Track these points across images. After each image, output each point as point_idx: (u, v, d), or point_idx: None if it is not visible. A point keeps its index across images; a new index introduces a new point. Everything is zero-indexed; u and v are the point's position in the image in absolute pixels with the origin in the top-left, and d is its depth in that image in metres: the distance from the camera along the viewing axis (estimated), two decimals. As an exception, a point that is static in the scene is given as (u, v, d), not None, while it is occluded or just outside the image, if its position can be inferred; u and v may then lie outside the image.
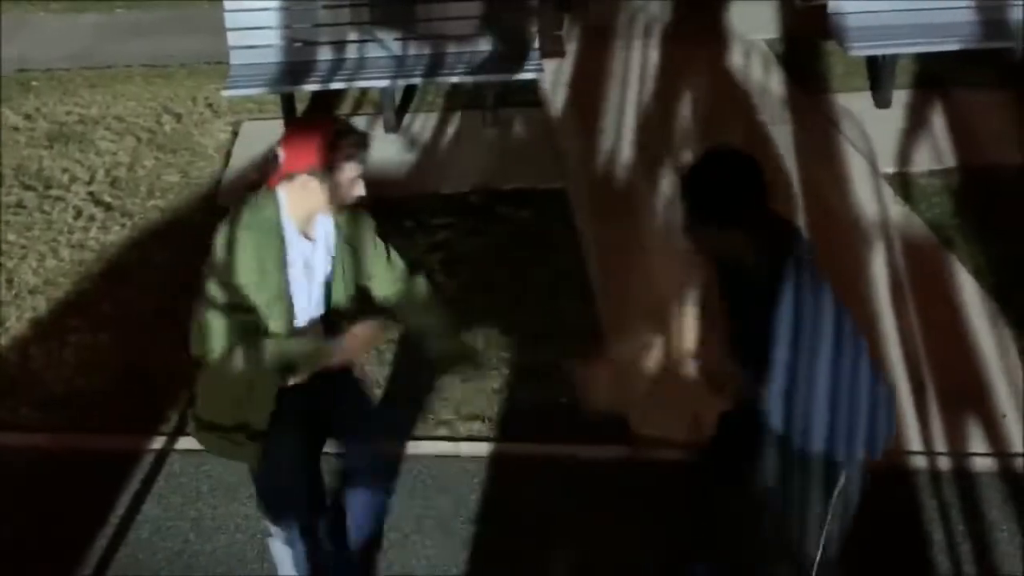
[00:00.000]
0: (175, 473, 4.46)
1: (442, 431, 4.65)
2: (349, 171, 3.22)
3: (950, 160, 6.19)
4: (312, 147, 3.15)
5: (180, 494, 4.36)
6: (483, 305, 5.28)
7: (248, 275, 3.19)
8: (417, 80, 6.83)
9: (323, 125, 3.32)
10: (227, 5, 6.69)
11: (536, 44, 6.82)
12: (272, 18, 6.68)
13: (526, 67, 6.69)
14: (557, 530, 4.06)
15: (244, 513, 4.23)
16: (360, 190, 3.25)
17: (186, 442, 4.61)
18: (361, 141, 3.24)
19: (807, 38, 7.46)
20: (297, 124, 3.35)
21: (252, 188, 3.36)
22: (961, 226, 5.64)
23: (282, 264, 3.24)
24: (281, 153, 3.20)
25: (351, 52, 6.72)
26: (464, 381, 4.84)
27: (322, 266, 3.37)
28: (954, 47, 6.74)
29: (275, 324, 3.25)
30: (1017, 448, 4.38)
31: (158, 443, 4.62)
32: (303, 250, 3.29)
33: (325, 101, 7.04)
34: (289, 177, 3.19)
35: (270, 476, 3.45)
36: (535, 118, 6.90)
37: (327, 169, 3.16)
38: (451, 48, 6.83)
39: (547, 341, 5.01)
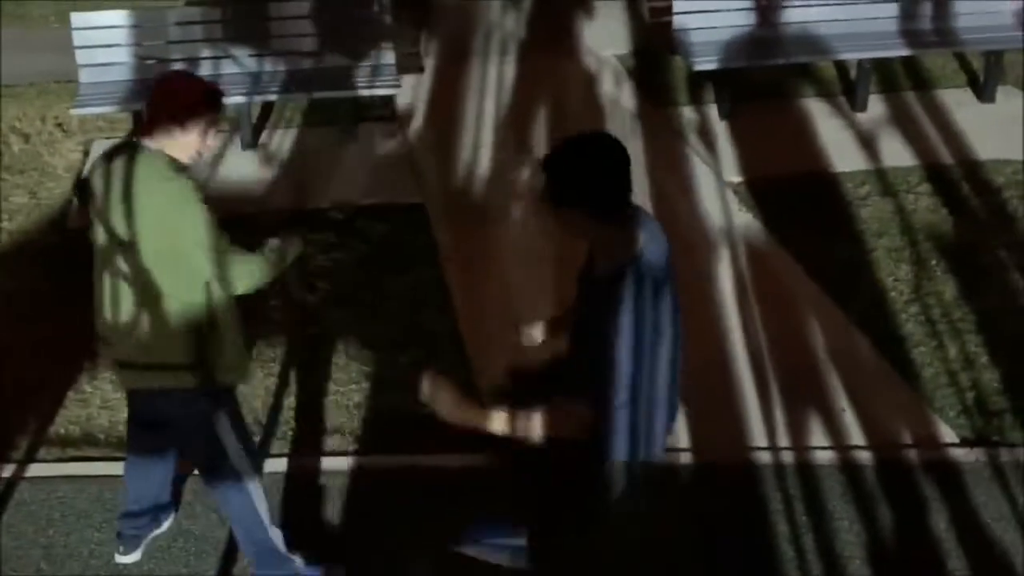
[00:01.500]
0: (24, 501, 4.31)
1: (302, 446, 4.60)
2: None
3: (788, 168, 6.42)
4: None
5: (30, 522, 4.21)
6: (342, 318, 5.25)
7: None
8: (273, 96, 6.76)
9: None
10: (75, 23, 6.53)
11: (392, 60, 6.83)
12: (122, 35, 6.55)
13: (383, 82, 6.69)
14: (422, 539, 4.06)
15: (97, 539, 4.11)
16: None
17: (36, 469, 4.47)
18: None
19: (656, 53, 7.64)
20: None
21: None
22: (798, 230, 5.85)
23: None
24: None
25: (205, 69, 6.60)
26: (324, 396, 4.81)
27: None
28: (791, 61, 7.00)
29: None
30: (855, 440, 4.56)
31: (6, 471, 4.45)
32: None
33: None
34: None
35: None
36: (393, 133, 6.90)
37: None
38: (307, 64, 6.79)
39: (406, 351, 5.02)
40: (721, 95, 7.04)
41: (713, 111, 7.01)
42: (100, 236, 3.44)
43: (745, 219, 5.99)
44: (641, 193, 6.16)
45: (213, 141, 3.51)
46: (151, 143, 3.38)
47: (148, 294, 3.37)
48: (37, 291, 5.49)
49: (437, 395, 3.05)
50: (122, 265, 3.38)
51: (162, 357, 3.42)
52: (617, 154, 2.91)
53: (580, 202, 2.88)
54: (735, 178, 6.34)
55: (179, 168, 3.38)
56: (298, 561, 3.80)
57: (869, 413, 4.69)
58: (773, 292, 5.42)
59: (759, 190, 6.22)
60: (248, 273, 3.49)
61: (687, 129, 6.86)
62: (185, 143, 3.39)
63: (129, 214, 3.31)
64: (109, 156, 3.43)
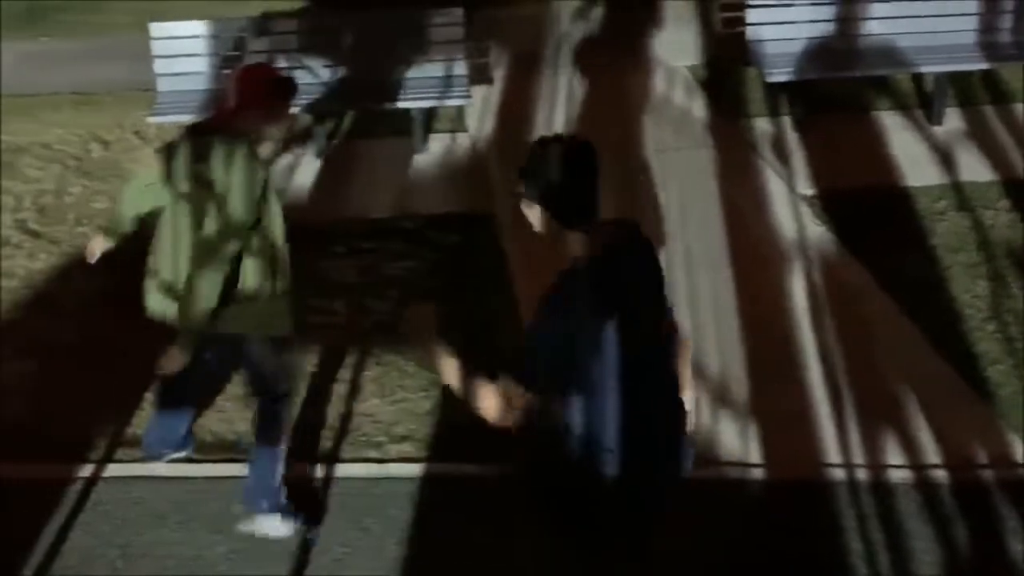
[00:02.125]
0: (102, 501, 4.40)
1: (372, 453, 4.65)
2: None
3: (862, 181, 6.35)
4: None
5: (107, 522, 4.30)
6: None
7: None
8: (346, 106, 6.84)
9: None
10: (154, 32, 6.67)
11: (464, 71, 6.88)
12: (199, 45, 6.67)
13: (453, 94, 6.74)
14: (489, 550, 4.07)
15: (172, 539, 4.19)
16: None
17: (113, 469, 4.56)
18: None
19: (728, 64, 7.61)
20: None
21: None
22: (873, 244, 5.78)
23: None
24: None
25: (280, 79, 6.71)
26: (393, 404, 4.86)
27: None
28: (867, 73, 6.93)
29: None
30: (930, 459, 4.49)
31: (85, 471, 4.55)
32: None
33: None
34: None
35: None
36: (462, 144, 6.95)
37: None
38: (380, 75, 6.86)
39: (475, 361, 5.02)
40: (795, 106, 6.99)
41: (787, 123, 6.96)
42: (175, 206, 3.81)
43: (819, 232, 5.94)
44: (712, 204, 6.16)
45: (284, 128, 3.70)
46: (229, 127, 3.71)
47: (204, 253, 3.72)
48: (117, 294, 5.59)
49: (418, 330, 3.05)
50: (186, 229, 3.76)
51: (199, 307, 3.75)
52: (582, 160, 2.94)
53: (540, 201, 2.95)
54: (809, 190, 6.29)
55: (251, 152, 3.70)
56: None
57: (945, 431, 4.62)
58: (847, 307, 5.37)
59: (833, 203, 6.16)
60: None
61: (760, 141, 6.82)
62: (257, 127, 3.76)
63: (206, 190, 3.67)
64: (190, 135, 3.78)
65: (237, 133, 3.72)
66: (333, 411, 4.87)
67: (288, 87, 3.94)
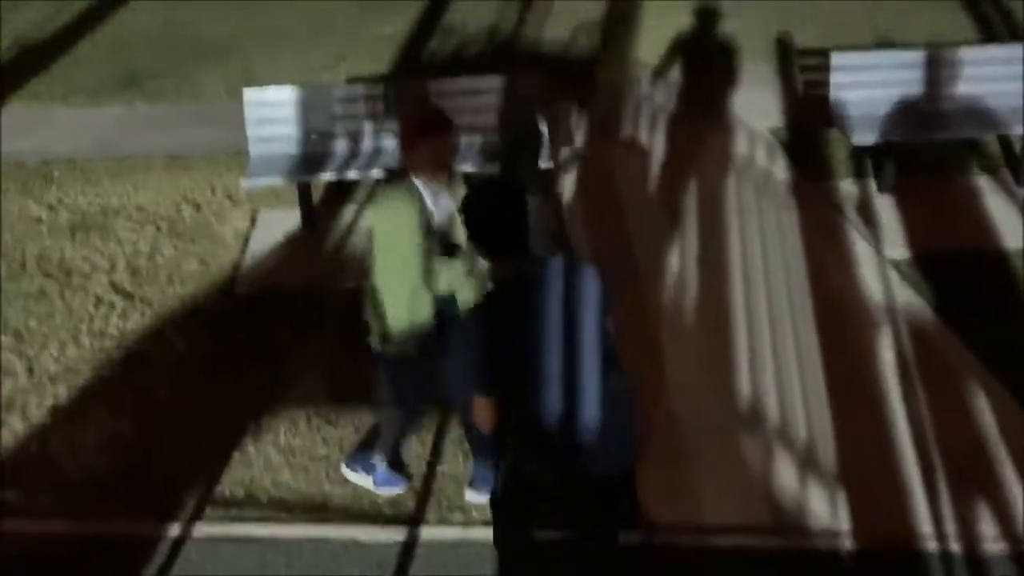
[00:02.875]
0: (191, 560, 4.47)
1: (457, 515, 4.66)
2: None
3: (951, 244, 6.26)
4: None
5: (196, 581, 4.37)
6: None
7: None
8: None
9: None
10: (247, 99, 6.86)
11: (544, 133, 6.95)
12: (289, 112, 6.85)
13: (535, 157, 6.80)
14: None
15: (261, 600, 4.23)
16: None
17: (201, 529, 4.64)
18: None
19: (810, 126, 7.59)
20: None
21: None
22: (964, 309, 5.69)
23: None
24: None
25: (366, 143, 6.87)
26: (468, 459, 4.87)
27: None
28: (954, 136, 6.86)
29: None
30: (1027, 531, 4.38)
31: (175, 530, 4.64)
32: None
33: (341, 190, 7.17)
34: None
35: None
36: (544, 209, 7.00)
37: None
38: (463, 138, 6.96)
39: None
40: (881, 169, 6.93)
41: (872, 185, 6.90)
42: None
43: (907, 297, 5.86)
44: (797, 266, 6.12)
45: (449, 165, 4.08)
46: (403, 171, 4.14)
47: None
48: (205, 354, 5.76)
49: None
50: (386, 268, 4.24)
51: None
52: (502, 201, 3.46)
53: (469, 236, 3.54)
54: (896, 254, 6.22)
55: (409, 190, 4.08)
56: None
57: (1043, 503, 4.49)
58: (938, 373, 5.28)
59: (922, 267, 6.08)
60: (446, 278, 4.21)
61: (845, 203, 6.77)
62: (416, 166, 4.06)
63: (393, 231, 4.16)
64: (387, 180, 4.29)
65: (404, 176, 4.11)
66: (415, 471, 4.90)
67: (432, 123, 4.04)
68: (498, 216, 3.45)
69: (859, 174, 7.05)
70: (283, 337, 5.84)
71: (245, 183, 6.69)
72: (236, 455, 5.05)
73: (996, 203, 6.67)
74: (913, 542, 4.38)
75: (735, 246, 6.39)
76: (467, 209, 3.48)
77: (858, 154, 7.09)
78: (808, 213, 6.69)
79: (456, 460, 4.94)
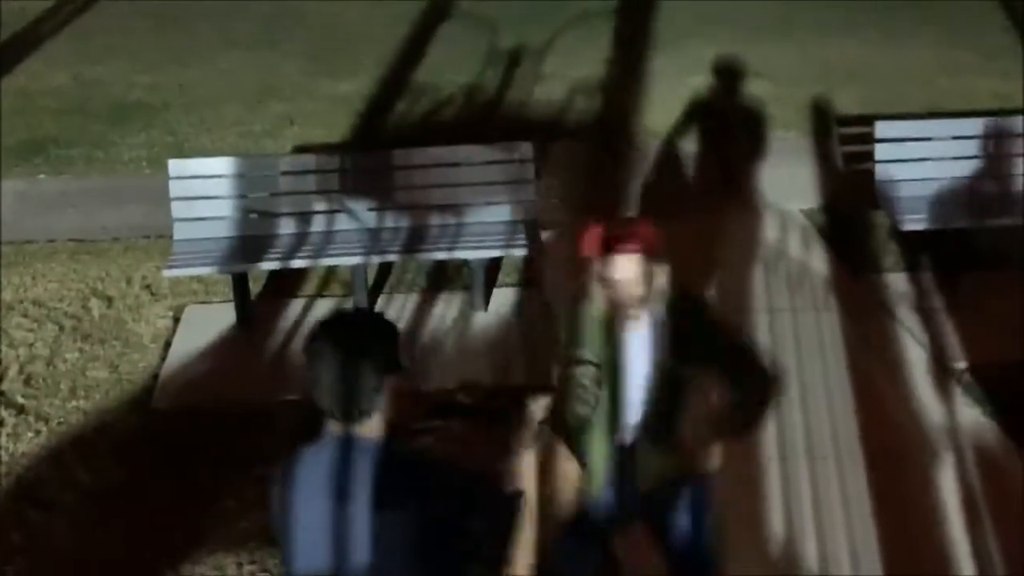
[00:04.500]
0: None
1: None
2: None
3: (1021, 351, 6.29)
4: None
5: None
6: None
7: None
8: (394, 257, 6.97)
9: None
10: (172, 171, 6.89)
11: (533, 215, 7.00)
12: (223, 186, 6.88)
13: (521, 242, 6.84)
14: None
15: None
16: None
17: None
18: None
19: (853, 208, 7.67)
20: None
21: None
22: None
23: None
24: None
25: (316, 225, 6.90)
26: None
27: None
28: (1019, 221, 6.92)
29: None
30: None
31: None
32: None
33: (285, 282, 7.18)
34: None
35: None
36: (533, 300, 7.02)
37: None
38: (434, 220, 7.00)
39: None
40: (937, 260, 6.99)
41: (928, 280, 6.96)
42: None
43: (973, 415, 5.86)
44: (839, 379, 6.12)
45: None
46: None
47: None
48: (114, 485, 5.68)
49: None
50: None
51: None
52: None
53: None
54: (959, 364, 6.24)
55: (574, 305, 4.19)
56: None
57: None
58: (1010, 505, 5.26)
59: (989, 379, 6.10)
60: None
61: (896, 302, 6.81)
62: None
63: None
64: None
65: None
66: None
67: (601, 240, 4.05)
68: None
69: (912, 266, 7.11)
70: (211, 464, 5.77)
71: (168, 273, 6.69)
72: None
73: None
74: None
75: (763, 355, 6.39)
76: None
77: (909, 242, 7.15)
78: (851, 314, 6.72)
79: None
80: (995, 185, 7.01)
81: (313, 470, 3.21)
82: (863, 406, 5.96)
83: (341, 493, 3.15)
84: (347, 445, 3.19)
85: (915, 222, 6.80)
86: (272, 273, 7.15)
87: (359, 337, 3.14)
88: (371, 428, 3.12)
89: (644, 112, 9.20)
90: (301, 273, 7.21)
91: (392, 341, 3.16)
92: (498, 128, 8.73)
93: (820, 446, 5.71)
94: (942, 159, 7.03)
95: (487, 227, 6.96)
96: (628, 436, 4.18)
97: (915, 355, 6.35)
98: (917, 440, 5.74)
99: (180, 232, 6.85)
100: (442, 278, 7.25)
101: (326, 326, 3.16)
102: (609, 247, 3.98)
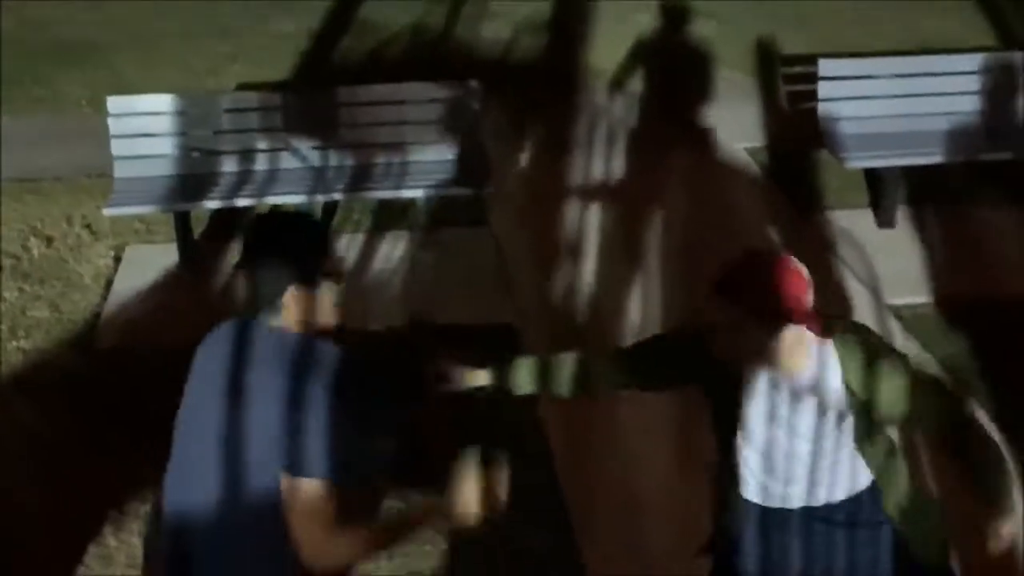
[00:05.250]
0: None
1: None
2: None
3: (966, 288, 6.36)
4: None
5: None
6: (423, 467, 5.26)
7: None
8: (339, 195, 6.92)
9: None
10: (111, 108, 6.79)
11: (482, 153, 6.96)
12: (165, 124, 6.79)
13: (469, 180, 6.81)
14: None
15: None
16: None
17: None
18: None
19: (797, 147, 7.69)
20: None
21: None
22: (979, 365, 5.75)
23: None
24: None
25: (260, 163, 6.84)
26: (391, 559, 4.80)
27: None
28: (967, 157, 6.97)
29: None
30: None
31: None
32: None
33: (228, 221, 7.10)
34: None
35: None
36: (480, 241, 6.99)
37: None
38: (381, 158, 6.95)
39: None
40: (881, 198, 7.03)
41: (869, 217, 6.99)
42: None
43: (913, 352, 5.91)
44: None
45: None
46: None
47: None
48: (56, 425, 5.61)
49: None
50: None
51: None
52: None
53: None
54: (900, 300, 6.29)
55: None
56: None
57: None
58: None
59: (931, 316, 6.16)
60: None
61: (839, 239, 6.85)
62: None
63: None
64: None
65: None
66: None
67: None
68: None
69: (855, 204, 7.14)
70: (154, 403, 5.70)
71: (108, 211, 6.61)
72: (92, 550, 4.92)
73: (1018, 238, 6.78)
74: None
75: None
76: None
77: (854, 180, 7.19)
78: (796, 251, 6.71)
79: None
80: (937, 122, 7.04)
81: (208, 357, 3.12)
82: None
83: (234, 377, 2.99)
84: (247, 326, 3.04)
85: (858, 160, 6.83)
86: (215, 213, 7.07)
87: (278, 227, 3.10)
88: (286, 321, 2.99)
89: (590, 50, 9.15)
90: (245, 212, 7.13)
91: (312, 241, 3.08)
92: (444, 66, 8.67)
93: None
94: (885, 97, 7.05)
95: (433, 165, 6.92)
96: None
97: (857, 291, 6.39)
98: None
99: (121, 170, 6.76)
100: (389, 217, 7.20)
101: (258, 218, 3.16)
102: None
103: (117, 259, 6.88)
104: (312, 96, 7.26)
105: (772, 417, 3.40)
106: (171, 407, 5.26)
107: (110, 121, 6.77)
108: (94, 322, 6.36)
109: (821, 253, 6.75)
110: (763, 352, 3.29)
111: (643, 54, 8.97)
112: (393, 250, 6.94)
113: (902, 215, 6.96)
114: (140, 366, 5.98)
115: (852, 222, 7.00)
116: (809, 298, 3.29)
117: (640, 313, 6.23)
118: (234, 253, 6.75)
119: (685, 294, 6.33)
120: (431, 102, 7.00)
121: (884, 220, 6.94)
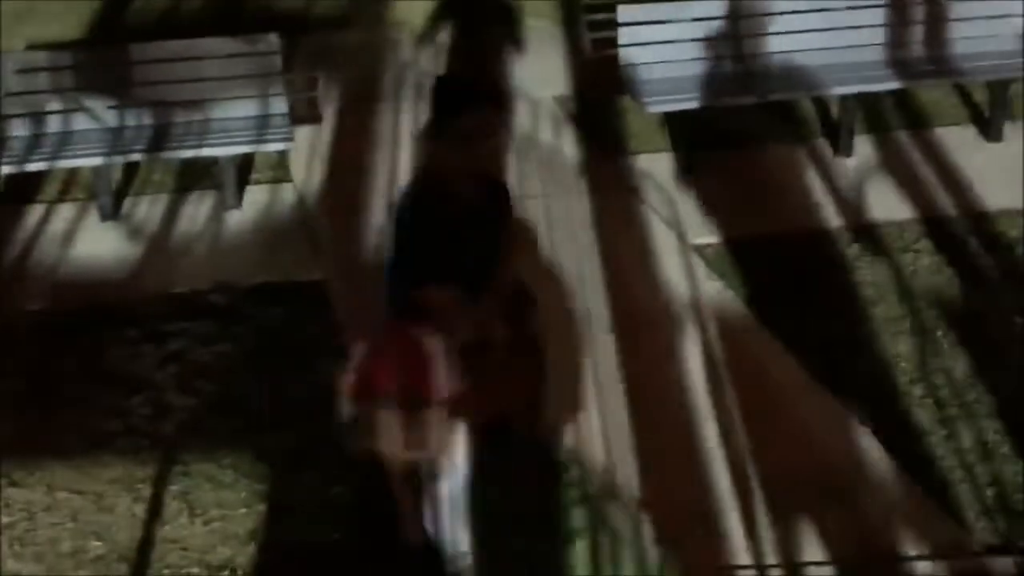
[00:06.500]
0: None
1: (182, 588, 4.55)
2: None
3: (762, 227, 6.55)
4: None
5: None
6: (230, 428, 5.22)
7: None
8: (139, 156, 6.77)
9: None
10: None
11: (284, 109, 6.89)
12: (-53, 86, 6.54)
13: (272, 136, 6.74)
14: None
15: None
16: None
17: None
18: None
19: (601, 94, 7.79)
20: None
21: None
22: (779, 300, 5.96)
23: None
24: None
25: (53, 125, 6.65)
26: (207, 524, 4.77)
27: None
28: (762, 99, 7.16)
29: None
30: (856, 552, 4.60)
31: None
32: None
33: (22, 187, 6.88)
34: None
35: None
36: (286, 197, 6.93)
37: None
38: (180, 117, 6.82)
39: (309, 468, 4.99)
40: (681, 142, 7.18)
41: (672, 161, 7.14)
42: None
43: (715, 288, 6.08)
44: (589, 260, 6.26)
45: None
46: None
47: None
48: None
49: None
50: None
51: None
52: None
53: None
54: (701, 240, 6.45)
55: None
56: None
57: (871, 517, 4.74)
58: (750, 376, 5.49)
59: (730, 254, 6.34)
60: None
61: (642, 183, 6.98)
62: None
63: None
64: None
65: None
66: (127, 537, 4.75)
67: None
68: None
69: (657, 148, 7.28)
70: None
71: None
72: None
73: (814, 176, 7.02)
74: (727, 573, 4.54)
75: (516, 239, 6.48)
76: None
77: (655, 124, 7.32)
78: (601, 196, 6.86)
79: (181, 520, 4.81)
80: (735, 65, 7.21)
81: None
82: (613, 283, 6.11)
83: None
84: None
85: (658, 104, 6.95)
86: (9, 178, 6.82)
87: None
88: None
89: (395, 1, 9.09)
90: (40, 177, 6.92)
91: None
92: (245, 21, 8.51)
93: (572, 324, 5.84)
94: (683, 41, 7.17)
95: (235, 123, 6.83)
96: None
97: (661, 232, 6.53)
98: (663, 312, 5.93)
99: (-98, 137, 6.50)
100: (192, 177, 7.07)
101: None
102: None
103: None
104: (105, 54, 7.06)
105: None
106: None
107: None
108: None
109: (623, 195, 6.88)
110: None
111: (449, 5, 8.95)
112: (197, 211, 6.83)
113: (703, 158, 7.11)
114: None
115: (655, 165, 7.14)
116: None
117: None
118: (29, 221, 6.63)
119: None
120: (229, 57, 6.89)
121: (684, 163, 7.08)
